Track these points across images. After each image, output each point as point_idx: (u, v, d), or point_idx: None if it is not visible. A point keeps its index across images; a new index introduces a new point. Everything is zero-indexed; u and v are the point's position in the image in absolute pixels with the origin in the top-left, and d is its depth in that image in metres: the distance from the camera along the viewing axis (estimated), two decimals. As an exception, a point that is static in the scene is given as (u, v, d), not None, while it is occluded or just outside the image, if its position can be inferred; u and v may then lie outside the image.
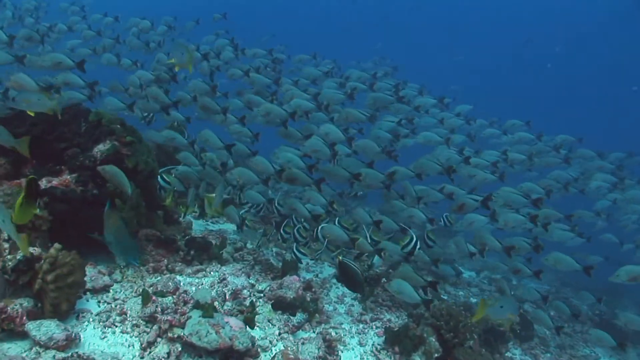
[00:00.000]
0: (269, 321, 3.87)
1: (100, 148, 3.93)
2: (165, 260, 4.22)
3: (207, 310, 3.04)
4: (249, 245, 5.37)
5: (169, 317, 3.03)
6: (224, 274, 4.29)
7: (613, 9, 26.39)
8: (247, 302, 3.97)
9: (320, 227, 4.56)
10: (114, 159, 3.88)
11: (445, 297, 6.63)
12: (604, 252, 6.67)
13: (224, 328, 3.00)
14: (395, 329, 4.18)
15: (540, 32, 31.34)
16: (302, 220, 4.70)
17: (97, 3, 9.21)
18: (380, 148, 5.08)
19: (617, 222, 7.42)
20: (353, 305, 5.01)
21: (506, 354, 5.41)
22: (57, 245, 3.05)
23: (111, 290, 3.55)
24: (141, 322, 3.15)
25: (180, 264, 4.32)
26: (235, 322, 3.14)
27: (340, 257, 4.18)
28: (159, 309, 3.15)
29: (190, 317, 3.04)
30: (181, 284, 3.91)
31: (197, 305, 3.15)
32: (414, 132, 5.96)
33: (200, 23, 8.92)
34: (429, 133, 5.80)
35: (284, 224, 4.79)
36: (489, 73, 33.14)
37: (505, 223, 4.91)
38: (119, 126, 4.13)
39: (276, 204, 4.87)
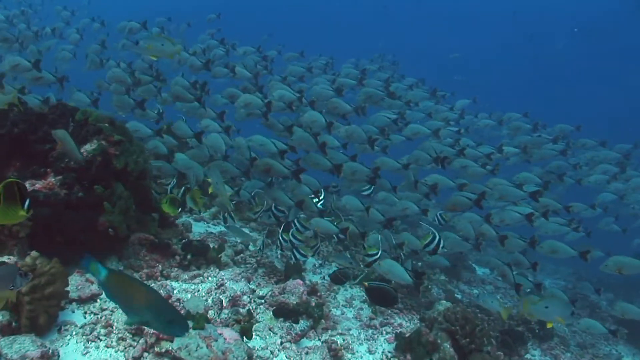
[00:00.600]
0: (270, 330, 3.60)
1: (87, 148, 3.69)
2: (160, 265, 3.97)
3: (197, 321, 2.78)
4: (251, 247, 5.11)
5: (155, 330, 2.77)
6: (222, 279, 4.02)
7: (613, 8, 25.97)
8: (247, 310, 3.71)
9: (309, 221, 4.47)
10: (101, 160, 3.64)
11: (460, 297, 6.34)
12: (609, 244, 6.44)
13: (216, 341, 2.73)
14: (407, 335, 3.89)
15: (541, 27, 31.07)
16: (298, 222, 4.53)
17: (92, 5, 9.15)
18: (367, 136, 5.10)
19: (621, 214, 7.27)
20: (362, 309, 4.73)
21: (525, 356, 5.12)
22: (34, 253, 2.81)
23: (99, 300, 3.29)
24: (128, 334, 2.90)
25: (176, 269, 4.06)
26: (229, 334, 2.87)
27: (367, 283, 4.05)
28: (147, 321, 2.89)
29: (180, 329, 2.78)
30: (175, 291, 3.66)
31: (188, 316, 2.88)
32: (406, 125, 5.91)
33: (199, 24, 8.88)
34: (416, 125, 5.73)
35: (281, 230, 4.57)
36: (487, 68, 33.00)
37: (501, 221, 4.93)
38: (107, 125, 3.89)
39: (274, 208, 4.65)
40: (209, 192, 3.91)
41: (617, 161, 6.96)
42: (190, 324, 2.81)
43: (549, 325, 3.60)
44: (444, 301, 4.46)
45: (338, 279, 4.44)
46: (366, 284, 4.08)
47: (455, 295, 6.41)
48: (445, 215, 5.29)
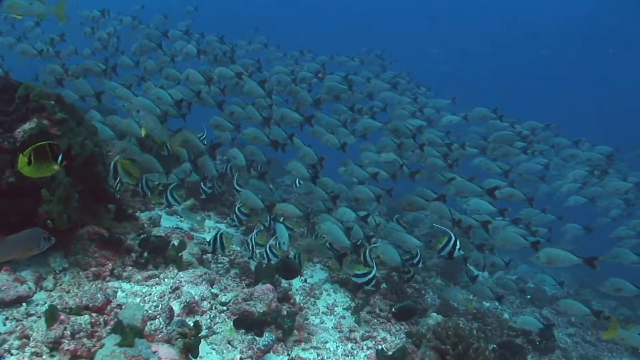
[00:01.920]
0: (228, 343, 3.10)
1: (24, 127, 3.20)
2: (111, 263, 3.47)
3: (126, 335, 2.27)
4: (233, 247, 4.60)
5: (72, 346, 2.28)
6: (180, 282, 3.51)
7: (612, 7, 25.35)
8: (204, 319, 3.22)
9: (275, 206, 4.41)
10: (39, 140, 3.14)
11: (456, 304, 5.83)
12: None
13: (147, 361, 2.23)
14: (390, 353, 3.37)
15: (539, 27, 30.48)
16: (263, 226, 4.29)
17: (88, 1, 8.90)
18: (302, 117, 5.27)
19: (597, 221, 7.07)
20: (344, 317, 4.23)
21: (526, 371, 4.69)
22: None
23: (24, 304, 2.81)
24: (44, 349, 2.40)
25: (130, 268, 3.57)
26: (166, 352, 2.37)
27: (394, 309, 4.11)
28: (69, 332, 2.40)
29: (104, 344, 2.28)
30: (121, 294, 3.17)
31: (117, 328, 2.38)
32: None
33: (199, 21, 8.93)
34: (368, 120, 5.77)
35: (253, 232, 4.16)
36: (482, 64, 32.65)
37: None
38: (52, 102, 3.39)
39: (237, 210, 4.22)
40: (143, 135, 3.50)
41: (597, 163, 6.88)
42: (117, 338, 2.31)
43: None
44: (435, 314, 3.94)
45: (289, 271, 3.92)
46: (394, 310, 4.08)
47: (451, 302, 5.92)
48: (405, 219, 5.25)
